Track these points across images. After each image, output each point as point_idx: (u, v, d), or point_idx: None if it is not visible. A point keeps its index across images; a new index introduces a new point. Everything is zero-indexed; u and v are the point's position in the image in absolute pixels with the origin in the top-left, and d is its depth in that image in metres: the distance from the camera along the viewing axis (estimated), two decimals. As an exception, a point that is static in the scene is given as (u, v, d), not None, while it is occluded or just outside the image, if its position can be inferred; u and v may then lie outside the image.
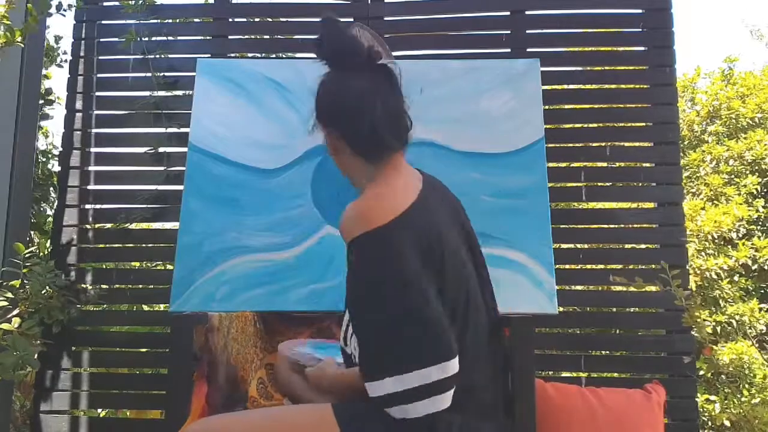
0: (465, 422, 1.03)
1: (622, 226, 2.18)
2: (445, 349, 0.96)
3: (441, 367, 0.95)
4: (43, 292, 1.94)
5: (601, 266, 2.18)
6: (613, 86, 2.38)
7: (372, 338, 0.99)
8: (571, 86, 2.37)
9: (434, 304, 0.98)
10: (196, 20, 2.47)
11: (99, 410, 2.50)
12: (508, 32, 2.29)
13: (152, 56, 2.29)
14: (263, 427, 1.06)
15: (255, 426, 1.06)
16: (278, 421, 1.07)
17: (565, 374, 2.14)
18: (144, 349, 2.25)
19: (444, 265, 1.03)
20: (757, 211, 3.51)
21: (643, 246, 2.26)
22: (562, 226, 2.16)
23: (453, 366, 0.97)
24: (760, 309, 2.92)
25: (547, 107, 2.06)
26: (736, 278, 3.09)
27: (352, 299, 1.03)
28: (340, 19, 1.13)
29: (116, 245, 2.26)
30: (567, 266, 2.25)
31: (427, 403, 0.95)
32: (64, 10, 2.25)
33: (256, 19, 2.43)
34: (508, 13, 2.32)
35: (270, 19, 2.42)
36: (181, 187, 1.94)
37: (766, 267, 3.23)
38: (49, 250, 2.28)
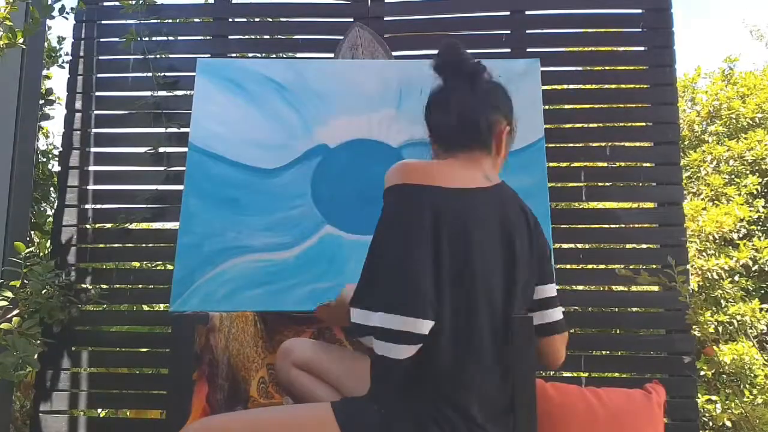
0: (469, 425, 1.03)
1: (623, 226, 2.18)
2: (417, 308, 1.00)
3: (404, 320, 0.99)
4: (43, 291, 1.94)
5: (602, 266, 2.17)
6: (614, 86, 2.38)
7: (365, 272, 1.08)
8: (571, 86, 2.37)
9: (426, 269, 1.02)
10: (196, 20, 2.47)
11: (99, 410, 2.50)
12: (508, 32, 2.30)
13: (152, 56, 2.29)
14: (264, 426, 1.06)
15: (256, 425, 1.07)
16: (278, 421, 1.07)
17: (565, 374, 2.14)
18: (144, 349, 2.25)
19: (466, 256, 1.06)
20: (758, 211, 3.51)
21: (643, 246, 2.26)
22: (562, 226, 2.16)
23: (419, 325, 1.00)
24: (761, 309, 2.92)
25: (547, 107, 2.06)
26: (736, 278, 3.09)
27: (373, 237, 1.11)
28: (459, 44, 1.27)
29: (116, 245, 2.26)
30: (567, 266, 2.25)
31: (384, 346, 1.01)
32: (67, 13, 2.25)
33: (256, 19, 2.43)
34: (508, 13, 2.32)
35: (270, 19, 2.42)
36: (181, 187, 1.94)
37: (766, 267, 3.23)
38: (49, 250, 2.28)
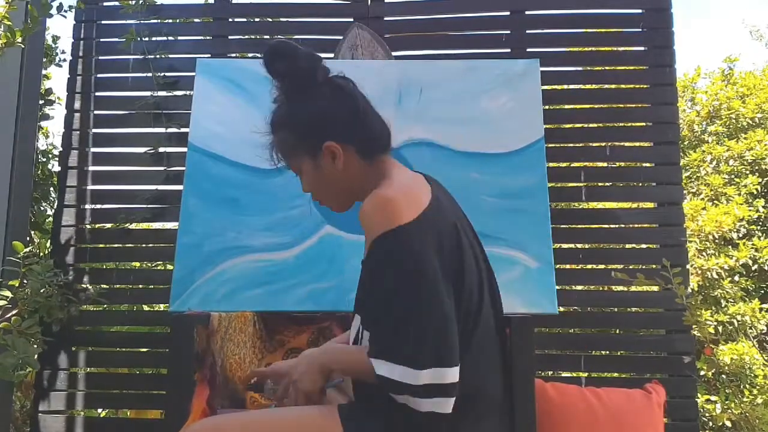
0: (472, 424, 1.02)
1: (622, 226, 2.18)
2: (455, 354, 0.96)
3: (452, 371, 0.95)
4: (42, 291, 1.94)
5: (602, 266, 2.17)
6: (613, 86, 2.38)
7: (393, 326, 0.97)
8: (571, 86, 2.37)
9: (449, 305, 0.98)
10: (196, 20, 2.47)
11: (99, 410, 2.50)
12: (508, 32, 2.29)
13: (152, 56, 2.29)
14: (266, 428, 1.05)
15: (259, 427, 1.05)
16: (282, 423, 1.05)
17: (565, 374, 2.14)
18: (144, 349, 2.25)
19: (463, 264, 1.04)
20: (757, 211, 3.51)
21: (643, 246, 2.26)
22: (562, 226, 2.16)
23: (456, 373, 0.96)
24: (761, 309, 2.92)
25: (547, 107, 2.06)
26: (736, 278, 3.09)
27: (375, 291, 1.02)
28: (292, 42, 1.13)
29: (116, 245, 2.26)
30: (567, 266, 2.25)
31: (435, 402, 0.94)
32: (65, 11, 2.25)
33: (256, 19, 2.43)
34: (508, 13, 2.32)
35: (270, 19, 2.42)
36: (181, 187, 1.94)
37: (766, 267, 3.23)
38: (49, 249, 2.28)
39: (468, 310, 1.04)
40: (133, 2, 2.30)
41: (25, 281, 1.91)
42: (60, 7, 2.21)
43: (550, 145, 2.02)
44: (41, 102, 2.45)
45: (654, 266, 2.10)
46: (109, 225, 2.26)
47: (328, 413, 1.04)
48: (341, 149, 1.12)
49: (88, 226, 2.26)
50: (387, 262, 1.00)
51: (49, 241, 2.33)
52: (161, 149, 2.25)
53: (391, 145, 1.18)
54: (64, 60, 2.43)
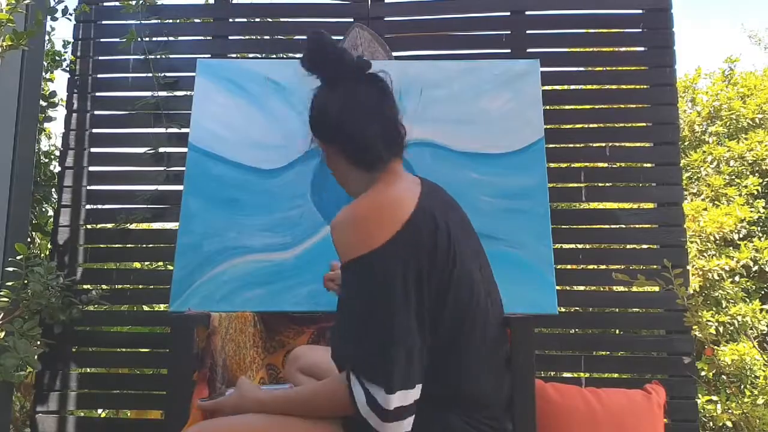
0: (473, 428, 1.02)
1: (622, 226, 2.18)
2: (414, 378, 0.96)
3: (407, 393, 0.94)
4: (44, 292, 1.94)
5: (602, 266, 2.17)
6: (614, 87, 2.38)
7: (376, 349, 0.96)
8: (571, 87, 2.36)
9: (419, 333, 0.96)
10: (197, 20, 2.48)
11: (99, 410, 2.50)
12: (508, 33, 2.30)
13: (153, 56, 2.30)
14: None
15: (259, 429, 1.04)
16: (284, 426, 1.04)
17: (565, 374, 2.14)
18: (144, 349, 2.25)
19: (456, 265, 1.01)
20: (758, 212, 3.51)
21: (643, 246, 2.26)
22: (562, 226, 2.16)
23: (415, 393, 0.96)
24: (761, 310, 2.92)
25: (547, 107, 2.06)
26: (737, 279, 3.09)
27: (346, 314, 1.02)
28: (325, 33, 1.12)
29: (116, 245, 2.26)
30: (567, 266, 2.25)
31: (407, 423, 0.95)
32: (70, 14, 2.26)
33: (256, 20, 2.44)
34: (508, 13, 2.32)
35: (270, 20, 2.42)
36: (181, 187, 1.94)
37: (766, 268, 3.23)
38: (50, 250, 2.28)
39: (457, 316, 1.02)
40: (134, 2, 2.30)
41: (26, 282, 1.91)
42: (65, 11, 2.22)
43: (550, 146, 2.01)
44: (44, 104, 2.45)
45: (654, 267, 2.10)
46: (109, 225, 2.26)
47: (332, 427, 1.02)
48: (330, 149, 1.14)
49: (89, 227, 2.27)
50: (352, 291, 1.00)
51: (49, 242, 2.33)
52: (161, 149, 2.25)
53: (396, 158, 1.13)
54: (65, 59, 2.43)
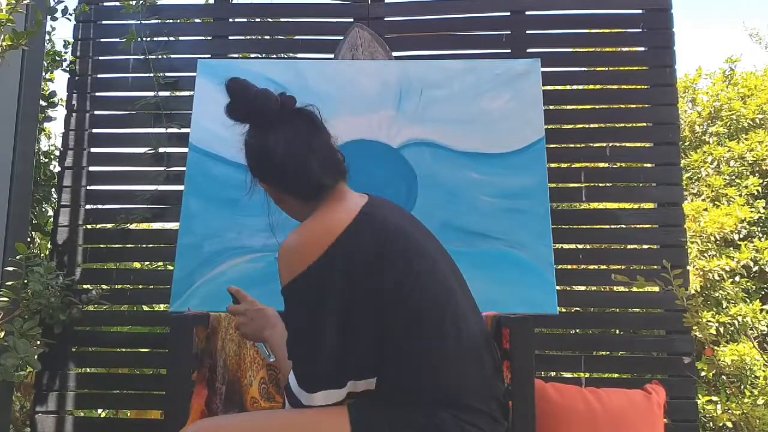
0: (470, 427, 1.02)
1: (623, 226, 2.18)
2: (345, 377, 1.05)
3: (341, 391, 1.04)
4: (44, 292, 1.94)
5: (602, 267, 2.17)
6: (614, 87, 2.38)
7: (301, 363, 1.07)
8: (572, 87, 2.36)
9: (338, 339, 1.04)
10: (197, 20, 2.48)
11: (99, 410, 2.50)
12: (508, 32, 2.29)
13: (153, 56, 2.30)
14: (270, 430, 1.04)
15: (260, 429, 1.04)
16: (287, 425, 1.04)
17: (565, 374, 2.14)
18: (144, 349, 2.25)
19: (412, 257, 1.06)
20: (758, 212, 3.51)
21: (643, 246, 2.26)
22: (562, 226, 2.16)
23: (361, 384, 1.05)
24: (762, 310, 2.92)
25: (547, 108, 2.06)
26: (737, 279, 3.09)
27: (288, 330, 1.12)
28: (244, 80, 1.17)
29: (116, 245, 2.26)
30: (567, 266, 2.25)
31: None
32: (70, 14, 2.25)
33: (256, 20, 2.44)
34: (508, 13, 2.32)
35: (270, 20, 2.42)
36: (181, 187, 1.94)
37: (766, 268, 3.23)
38: (50, 250, 2.28)
39: (419, 308, 1.05)
40: (134, 2, 2.31)
41: (26, 282, 1.91)
42: (65, 11, 2.22)
43: (550, 146, 2.01)
44: (44, 104, 2.45)
45: (654, 267, 2.10)
46: (109, 225, 2.26)
47: (336, 415, 1.03)
48: (271, 189, 1.20)
49: (88, 227, 2.27)
50: (287, 312, 1.10)
51: (49, 242, 2.33)
52: (161, 149, 2.26)
53: (337, 183, 1.16)
54: (65, 59, 2.43)
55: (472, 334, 1.09)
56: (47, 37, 2.45)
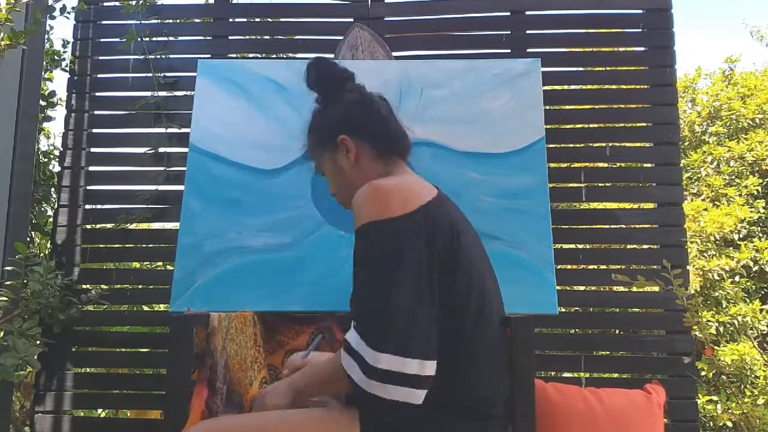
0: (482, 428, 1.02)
1: (623, 226, 2.18)
2: (431, 349, 0.95)
3: (422, 363, 0.93)
4: (44, 292, 1.94)
5: (602, 266, 2.17)
6: (614, 87, 2.38)
7: (376, 314, 0.96)
8: (571, 87, 2.36)
9: (427, 307, 0.96)
10: (197, 20, 2.48)
11: (99, 410, 2.50)
12: (508, 32, 2.29)
13: (153, 56, 2.30)
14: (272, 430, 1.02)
15: (262, 429, 1.03)
16: (289, 426, 1.02)
17: (565, 374, 2.14)
18: (144, 349, 2.25)
19: (459, 265, 1.02)
20: (758, 212, 3.51)
21: (643, 246, 2.26)
22: (562, 226, 2.16)
23: (432, 366, 0.95)
24: (762, 310, 2.92)
25: (547, 107, 2.06)
26: (737, 279, 3.10)
27: (359, 276, 1.03)
28: (328, 58, 1.37)
29: (116, 245, 2.26)
30: (567, 266, 2.25)
31: (402, 392, 0.93)
32: (68, 13, 2.25)
33: (256, 20, 2.43)
34: (508, 13, 2.32)
35: (270, 20, 2.42)
36: (181, 187, 1.94)
37: (766, 268, 3.23)
38: (50, 250, 2.28)
39: (463, 312, 1.02)
40: (133, 2, 2.30)
41: (26, 282, 1.91)
42: (63, 9, 2.22)
43: (550, 146, 2.01)
44: (44, 104, 2.45)
45: (654, 267, 2.10)
46: (109, 225, 2.26)
47: (347, 422, 1.01)
48: (353, 142, 1.22)
49: (88, 227, 2.27)
50: (365, 252, 1.01)
51: (49, 241, 2.33)
52: (161, 149, 2.25)
53: (407, 153, 1.27)
54: (65, 59, 2.42)
55: (496, 342, 1.09)
56: (46, 37, 2.44)
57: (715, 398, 2.66)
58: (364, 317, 0.97)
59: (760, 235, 3.48)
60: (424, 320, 0.95)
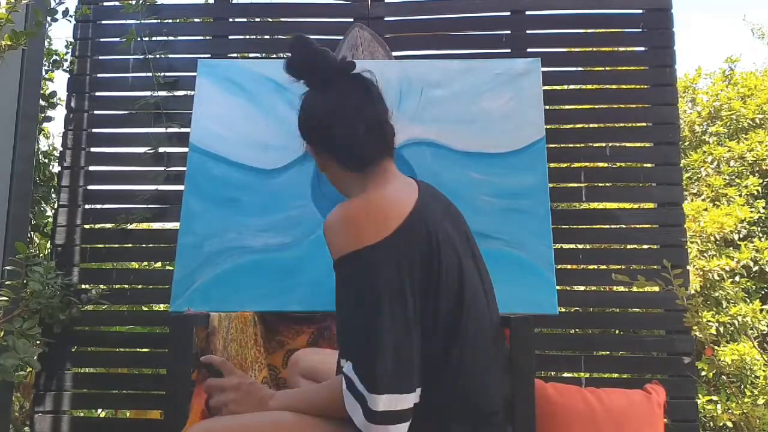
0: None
1: (623, 226, 2.18)
2: (419, 378, 0.96)
3: (414, 394, 0.95)
4: (44, 292, 1.94)
5: (602, 266, 2.17)
6: (614, 87, 2.38)
7: (365, 357, 0.94)
8: (571, 87, 2.36)
9: (413, 335, 0.95)
10: (197, 20, 2.48)
11: (99, 410, 2.50)
12: (508, 32, 2.29)
13: (152, 56, 2.29)
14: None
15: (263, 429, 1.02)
16: (291, 426, 1.02)
17: (565, 374, 2.14)
18: (144, 349, 2.25)
19: (440, 278, 0.99)
20: (758, 212, 3.51)
21: (643, 246, 2.25)
22: (562, 226, 2.16)
23: (419, 391, 0.96)
24: (762, 310, 2.92)
25: (547, 107, 2.06)
26: (737, 279, 3.09)
27: (341, 313, 1.00)
28: (308, 37, 1.15)
29: (116, 245, 2.26)
30: (567, 266, 2.25)
31: (401, 428, 0.94)
32: (71, 16, 2.25)
33: (256, 20, 2.43)
34: (508, 13, 2.32)
35: (270, 20, 2.42)
36: (181, 187, 1.94)
37: (766, 268, 3.23)
38: (50, 250, 2.28)
39: (450, 322, 1.01)
40: (133, 2, 2.30)
41: (26, 282, 1.91)
42: (66, 12, 2.22)
43: (550, 146, 2.01)
44: (44, 104, 2.45)
45: (654, 267, 2.10)
46: (108, 225, 2.26)
47: (347, 424, 0.99)
48: (319, 156, 1.16)
49: (88, 227, 2.26)
50: (344, 289, 0.99)
51: (48, 242, 2.33)
52: (161, 149, 2.25)
53: (388, 154, 1.13)
54: (67, 59, 2.42)
55: (493, 345, 1.08)
56: (46, 37, 2.44)
57: (715, 398, 2.66)
58: (353, 358, 0.95)
59: (760, 235, 3.48)
60: (410, 351, 0.95)
